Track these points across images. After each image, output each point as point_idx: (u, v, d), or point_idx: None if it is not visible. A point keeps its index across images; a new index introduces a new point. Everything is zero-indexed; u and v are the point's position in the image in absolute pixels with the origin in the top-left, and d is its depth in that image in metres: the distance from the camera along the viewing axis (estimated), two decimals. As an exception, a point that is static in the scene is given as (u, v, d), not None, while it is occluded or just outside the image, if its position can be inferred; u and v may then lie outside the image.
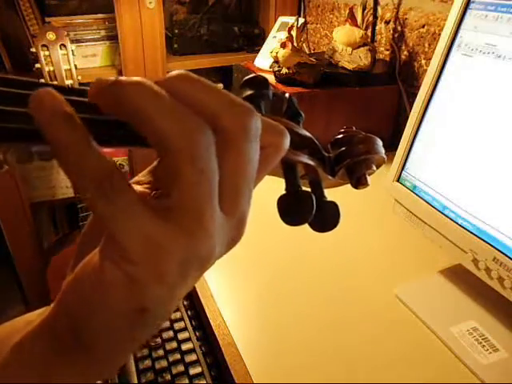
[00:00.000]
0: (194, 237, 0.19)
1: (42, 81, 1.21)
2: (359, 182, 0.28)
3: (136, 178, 0.29)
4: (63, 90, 0.20)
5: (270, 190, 0.23)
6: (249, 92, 0.28)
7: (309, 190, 0.27)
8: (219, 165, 0.20)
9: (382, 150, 0.29)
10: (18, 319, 0.28)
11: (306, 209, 0.25)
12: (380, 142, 0.29)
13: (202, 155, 0.19)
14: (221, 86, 1.62)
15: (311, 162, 0.27)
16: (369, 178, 0.28)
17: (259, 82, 0.29)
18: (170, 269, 0.19)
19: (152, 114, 0.19)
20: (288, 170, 0.26)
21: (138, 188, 0.28)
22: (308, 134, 0.28)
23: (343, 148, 0.28)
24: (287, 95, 0.31)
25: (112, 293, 0.19)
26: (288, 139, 0.23)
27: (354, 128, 0.30)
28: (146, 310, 0.20)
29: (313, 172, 0.28)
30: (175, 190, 0.19)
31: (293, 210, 0.25)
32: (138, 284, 0.19)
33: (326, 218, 0.27)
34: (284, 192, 0.26)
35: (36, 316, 0.23)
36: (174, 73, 0.21)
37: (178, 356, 0.57)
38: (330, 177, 0.28)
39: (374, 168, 0.29)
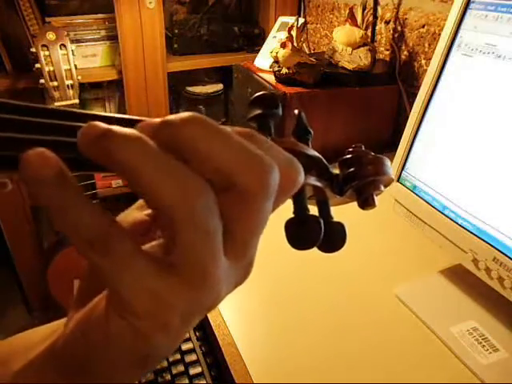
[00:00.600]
0: (199, 290, 0.19)
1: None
2: (366, 203, 0.28)
3: (139, 203, 0.28)
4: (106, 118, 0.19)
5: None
6: (258, 111, 0.28)
7: (316, 211, 0.28)
8: (230, 218, 0.19)
9: (391, 171, 0.29)
10: (35, 331, 0.28)
11: (314, 235, 0.25)
12: (389, 163, 0.29)
13: (201, 219, 0.18)
14: (221, 86, 1.62)
15: (319, 184, 0.27)
16: (376, 199, 0.28)
17: (269, 101, 0.28)
18: (174, 321, 0.19)
19: (144, 176, 0.18)
20: (296, 193, 0.26)
21: (140, 216, 0.28)
22: (316, 153, 0.27)
23: (352, 169, 0.28)
24: (296, 112, 0.30)
25: (117, 343, 0.19)
26: (302, 176, 0.22)
27: (362, 147, 0.29)
28: (150, 356, 0.20)
29: (320, 193, 0.28)
30: (177, 248, 0.18)
31: (301, 236, 0.25)
32: (143, 335, 0.19)
33: (332, 239, 0.27)
34: (292, 216, 0.26)
35: (49, 332, 0.24)
36: (183, 116, 0.19)
37: (177, 356, 0.57)
38: (337, 196, 0.28)
39: (382, 188, 0.29)
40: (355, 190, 0.28)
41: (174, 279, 0.19)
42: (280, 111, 0.28)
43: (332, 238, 0.27)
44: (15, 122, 0.19)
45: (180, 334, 0.20)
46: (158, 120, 0.19)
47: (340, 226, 0.27)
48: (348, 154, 0.29)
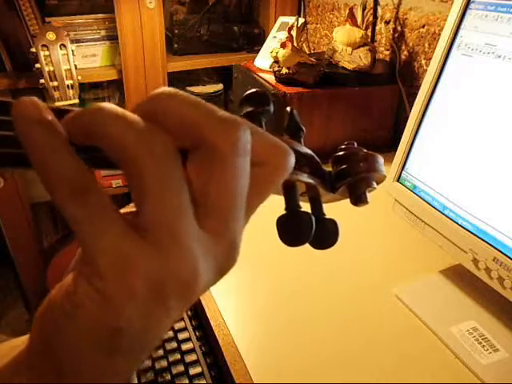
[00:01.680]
0: (168, 252, 0.18)
1: (41, 81, 1.21)
2: (359, 200, 0.28)
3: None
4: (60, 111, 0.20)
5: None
6: (249, 109, 0.28)
7: (308, 208, 0.27)
8: (202, 180, 0.19)
9: (383, 168, 0.29)
10: (4, 344, 0.27)
11: (305, 231, 0.25)
12: (381, 160, 0.29)
13: (164, 170, 0.18)
14: (221, 86, 1.62)
15: (312, 181, 0.27)
16: (369, 196, 0.28)
17: (260, 98, 0.28)
18: (138, 285, 0.18)
19: (111, 133, 0.18)
20: (288, 189, 0.26)
21: None
22: (309, 151, 0.27)
23: (344, 166, 0.28)
24: (288, 109, 0.30)
25: (83, 312, 0.18)
26: (293, 159, 0.22)
27: (355, 144, 0.29)
28: (120, 331, 0.18)
29: (313, 189, 0.28)
30: (144, 207, 0.18)
31: (292, 232, 0.25)
32: (109, 301, 0.18)
33: (324, 236, 0.27)
34: (284, 212, 0.26)
35: (21, 342, 0.22)
36: (157, 90, 0.20)
37: (178, 356, 0.57)
38: (330, 193, 0.28)
39: (375, 185, 0.29)
40: (348, 187, 0.28)
41: (140, 240, 0.18)
42: (271, 108, 0.28)
43: (324, 234, 0.27)
44: None
45: (152, 310, 0.19)
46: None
47: (332, 223, 0.27)
48: (340, 151, 0.29)
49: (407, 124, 0.67)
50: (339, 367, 0.52)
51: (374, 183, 0.28)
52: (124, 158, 0.19)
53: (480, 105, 0.56)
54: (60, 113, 0.20)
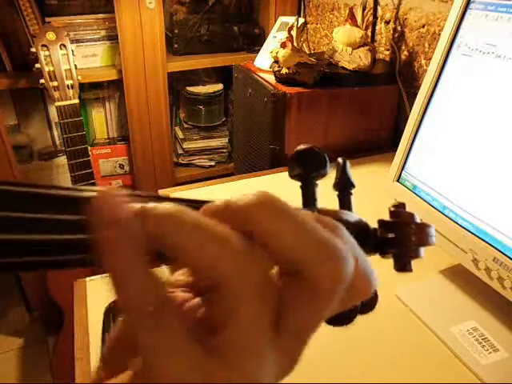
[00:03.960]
0: (235, 371, 0.17)
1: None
2: (403, 269, 0.26)
3: (173, 278, 0.26)
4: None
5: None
6: (303, 171, 0.26)
7: None
8: (288, 305, 0.18)
9: (434, 239, 0.26)
10: None
11: (351, 313, 0.24)
12: (433, 231, 0.26)
13: (257, 305, 0.17)
14: (221, 86, 1.62)
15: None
16: (413, 264, 0.26)
17: (316, 160, 0.26)
18: None
19: (204, 254, 0.17)
20: None
21: (176, 293, 0.25)
22: (357, 216, 0.26)
23: (394, 235, 0.26)
24: (340, 160, 0.28)
25: None
26: (376, 283, 0.21)
27: (405, 207, 0.27)
28: None
29: None
30: (226, 331, 0.17)
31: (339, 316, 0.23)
32: None
33: (366, 305, 0.26)
34: None
35: None
36: (252, 196, 0.18)
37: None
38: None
39: (423, 255, 0.26)
40: (393, 256, 0.27)
41: (214, 361, 0.17)
42: (328, 170, 0.26)
43: (366, 304, 0.26)
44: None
45: None
46: (221, 202, 0.19)
47: (374, 295, 0.26)
48: (392, 215, 0.27)
49: (407, 124, 0.67)
50: (339, 367, 0.52)
51: (423, 253, 0.26)
52: (214, 283, 0.17)
53: (480, 105, 0.56)
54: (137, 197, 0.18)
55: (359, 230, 0.25)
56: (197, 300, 0.22)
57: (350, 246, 0.20)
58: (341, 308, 0.21)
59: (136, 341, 0.17)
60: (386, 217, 0.27)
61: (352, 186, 0.28)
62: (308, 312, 0.18)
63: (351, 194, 0.28)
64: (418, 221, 0.26)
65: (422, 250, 0.26)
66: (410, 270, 0.26)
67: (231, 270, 0.17)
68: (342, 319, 0.23)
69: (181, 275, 0.25)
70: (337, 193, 0.28)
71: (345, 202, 0.28)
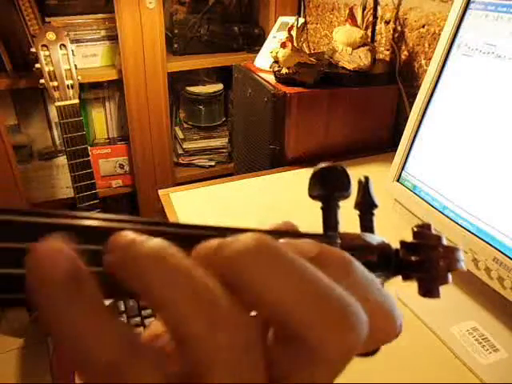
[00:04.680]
0: None
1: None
2: (431, 295, 0.24)
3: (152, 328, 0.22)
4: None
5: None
6: (325, 191, 0.24)
7: None
8: (284, 371, 0.16)
9: (463, 264, 0.24)
10: None
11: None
12: (462, 255, 0.24)
13: (232, 367, 0.14)
14: (221, 86, 1.62)
15: (384, 275, 0.24)
16: (441, 289, 0.24)
17: (340, 180, 0.24)
18: None
19: (165, 300, 0.15)
20: None
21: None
22: (380, 239, 0.25)
23: (420, 258, 0.24)
24: (363, 179, 0.26)
25: None
26: (401, 326, 0.19)
27: (431, 227, 0.25)
28: None
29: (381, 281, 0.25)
30: None
31: None
32: None
33: None
34: None
35: None
36: (244, 242, 0.16)
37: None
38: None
39: (450, 281, 0.24)
40: (418, 279, 0.25)
41: None
42: (351, 191, 0.24)
43: None
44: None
45: None
46: (212, 245, 0.16)
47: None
48: (415, 236, 0.24)
49: (407, 124, 0.67)
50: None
51: (450, 279, 0.24)
52: (181, 345, 0.15)
53: (480, 105, 0.56)
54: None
55: (382, 253, 0.24)
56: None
57: (365, 287, 0.17)
58: (366, 350, 0.19)
59: None
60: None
61: (375, 206, 0.26)
62: (312, 379, 0.16)
63: (373, 214, 0.26)
64: (446, 243, 0.24)
65: (450, 275, 0.24)
66: (437, 296, 0.24)
67: (201, 341, 0.14)
68: (364, 355, 0.22)
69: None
70: (358, 213, 0.26)
71: (366, 223, 0.26)
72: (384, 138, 1.05)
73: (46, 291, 0.14)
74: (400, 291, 0.62)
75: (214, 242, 0.17)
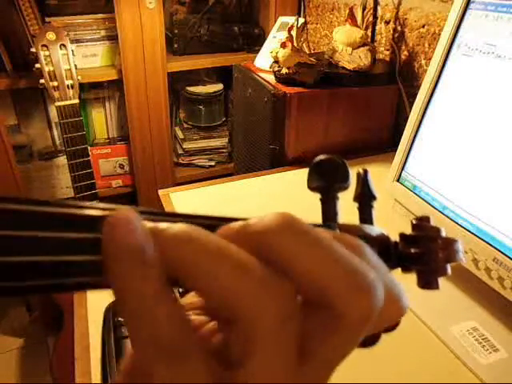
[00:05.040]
0: None
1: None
2: (429, 287, 0.25)
3: (187, 300, 0.24)
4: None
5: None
6: (324, 183, 0.24)
7: None
8: (314, 339, 0.17)
9: (462, 256, 0.25)
10: None
11: None
12: (461, 247, 0.24)
13: (282, 339, 0.16)
14: (221, 86, 1.62)
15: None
16: (440, 281, 0.25)
17: (338, 171, 0.24)
18: None
19: (223, 282, 0.15)
20: None
21: (192, 317, 0.23)
22: (380, 230, 0.25)
23: (419, 250, 0.24)
24: (362, 171, 0.27)
25: None
26: (407, 307, 0.20)
27: (430, 220, 0.25)
28: None
29: None
30: (248, 366, 0.16)
31: None
32: None
33: None
34: None
35: None
36: (268, 222, 0.17)
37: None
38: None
39: (449, 272, 0.25)
40: (417, 271, 0.25)
41: None
42: (350, 183, 0.24)
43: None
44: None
45: None
46: (239, 224, 0.17)
47: None
48: (414, 228, 0.25)
49: (407, 124, 0.67)
50: (338, 367, 0.52)
51: (449, 271, 0.25)
52: (232, 314, 0.16)
53: (480, 105, 0.56)
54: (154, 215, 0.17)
55: (381, 245, 0.24)
56: (212, 325, 0.21)
57: (377, 269, 0.18)
58: (375, 330, 0.20)
59: (151, 374, 0.16)
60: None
61: (374, 198, 0.26)
62: (334, 346, 0.17)
63: (372, 206, 0.26)
64: (444, 235, 0.24)
65: (449, 267, 0.24)
66: (436, 287, 0.25)
67: (251, 307, 0.15)
68: (365, 342, 0.22)
69: (193, 297, 0.24)
70: (357, 205, 0.26)
71: (366, 215, 0.26)
72: (384, 138, 1.05)
73: (121, 259, 0.15)
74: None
75: (238, 223, 0.17)
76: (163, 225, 0.16)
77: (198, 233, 0.16)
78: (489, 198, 0.54)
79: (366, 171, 0.27)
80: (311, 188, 0.25)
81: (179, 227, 0.16)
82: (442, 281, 0.25)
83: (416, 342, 0.55)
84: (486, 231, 0.53)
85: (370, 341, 0.23)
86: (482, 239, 0.54)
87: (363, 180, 0.26)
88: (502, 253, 0.51)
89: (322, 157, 0.24)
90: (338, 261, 0.17)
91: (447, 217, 0.59)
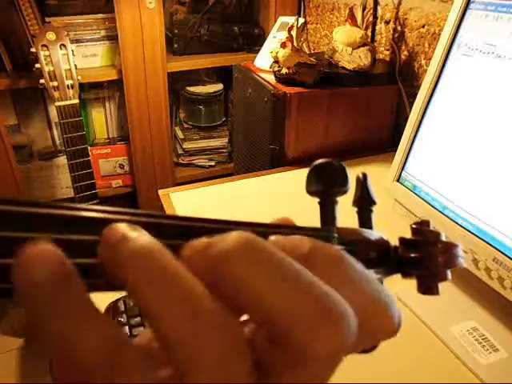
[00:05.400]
0: None
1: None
2: (430, 292, 0.24)
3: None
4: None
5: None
6: (323, 187, 0.24)
7: None
8: (274, 373, 0.15)
9: (462, 260, 0.24)
10: None
11: None
12: (461, 251, 0.24)
13: (221, 371, 0.14)
14: (221, 86, 1.62)
15: (381, 272, 0.24)
16: (440, 286, 0.24)
17: (337, 176, 0.24)
18: None
19: (150, 301, 0.14)
20: None
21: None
22: (379, 235, 0.25)
23: (419, 254, 0.24)
24: (361, 175, 0.26)
25: None
26: (399, 324, 0.19)
27: (430, 224, 0.24)
28: None
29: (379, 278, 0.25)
30: None
31: None
32: None
33: None
34: None
35: None
36: (228, 243, 0.16)
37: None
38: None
39: (450, 277, 0.24)
40: (418, 277, 0.25)
41: None
42: (349, 187, 0.24)
43: None
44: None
45: None
46: (203, 245, 0.16)
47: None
48: (414, 233, 0.24)
49: (407, 124, 0.67)
50: (338, 367, 0.52)
51: (450, 276, 0.24)
52: (171, 353, 0.14)
53: (480, 105, 0.56)
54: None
55: (381, 249, 0.24)
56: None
57: (361, 281, 0.17)
58: (365, 348, 0.19)
59: None
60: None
61: (373, 203, 0.26)
62: (297, 380, 0.16)
63: (371, 211, 0.26)
64: (444, 239, 0.24)
65: (449, 272, 0.24)
66: (437, 293, 0.24)
67: (187, 349, 0.14)
68: (364, 351, 0.21)
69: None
70: (356, 209, 0.26)
71: (365, 220, 0.26)
72: (384, 138, 1.05)
73: (30, 292, 0.14)
74: (400, 291, 0.62)
75: (202, 242, 0.16)
76: (130, 244, 0.15)
77: (153, 251, 0.15)
78: (489, 197, 0.54)
79: (365, 175, 0.26)
80: (310, 192, 0.24)
81: (139, 244, 0.15)
82: (441, 285, 0.24)
83: (416, 342, 0.55)
84: (486, 231, 0.53)
85: (368, 350, 0.22)
86: (482, 239, 0.54)
87: (362, 184, 0.26)
88: (502, 253, 0.51)
89: (320, 161, 0.24)
90: (294, 291, 0.15)
91: (447, 217, 0.59)
